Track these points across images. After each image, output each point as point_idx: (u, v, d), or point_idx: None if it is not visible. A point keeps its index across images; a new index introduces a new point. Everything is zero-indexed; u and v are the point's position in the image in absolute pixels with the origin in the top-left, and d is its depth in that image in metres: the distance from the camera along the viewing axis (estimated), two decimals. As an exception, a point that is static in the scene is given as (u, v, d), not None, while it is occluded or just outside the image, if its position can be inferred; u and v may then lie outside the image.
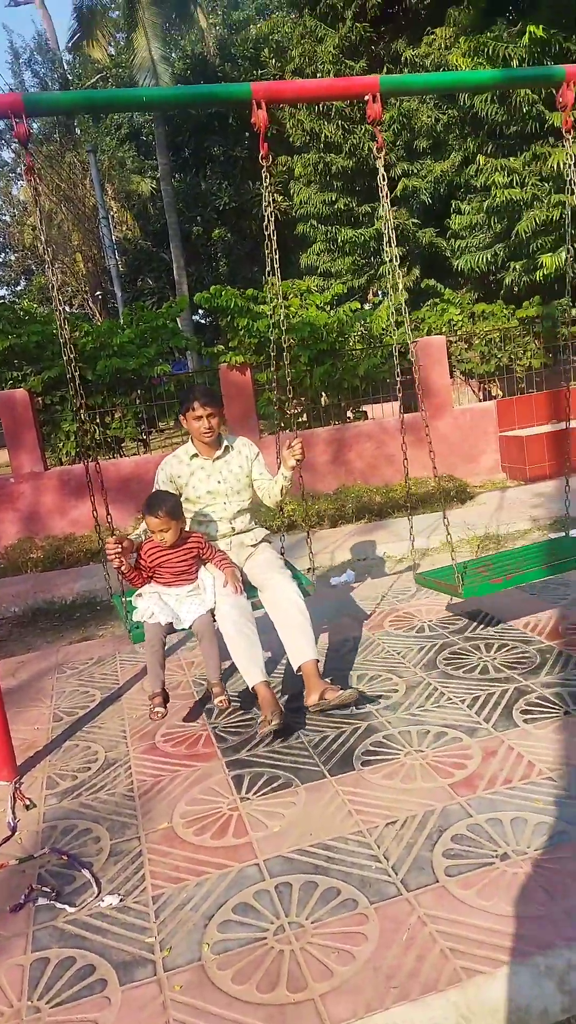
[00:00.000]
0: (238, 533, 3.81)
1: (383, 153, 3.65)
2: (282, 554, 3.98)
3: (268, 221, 3.52)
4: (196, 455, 3.76)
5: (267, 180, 3.47)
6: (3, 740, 3.26)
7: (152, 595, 3.45)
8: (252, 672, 3.34)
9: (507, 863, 2.33)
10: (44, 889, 2.49)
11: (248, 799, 2.89)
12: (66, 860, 2.64)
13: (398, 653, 4.10)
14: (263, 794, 2.91)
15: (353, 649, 4.25)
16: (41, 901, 2.45)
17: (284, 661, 3.95)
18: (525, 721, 3.18)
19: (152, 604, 3.41)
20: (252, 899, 2.33)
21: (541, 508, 7.34)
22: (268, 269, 3.58)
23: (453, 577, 3.80)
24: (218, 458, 3.76)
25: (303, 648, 3.44)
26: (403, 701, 3.52)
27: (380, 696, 3.60)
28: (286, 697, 3.71)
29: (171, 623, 3.41)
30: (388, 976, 1.98)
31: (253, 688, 3.35)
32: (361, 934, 2.13)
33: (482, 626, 4.32)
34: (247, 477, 3.81)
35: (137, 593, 3.51)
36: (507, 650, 3.93)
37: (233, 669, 3.69)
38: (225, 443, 3.80)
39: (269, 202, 3.51)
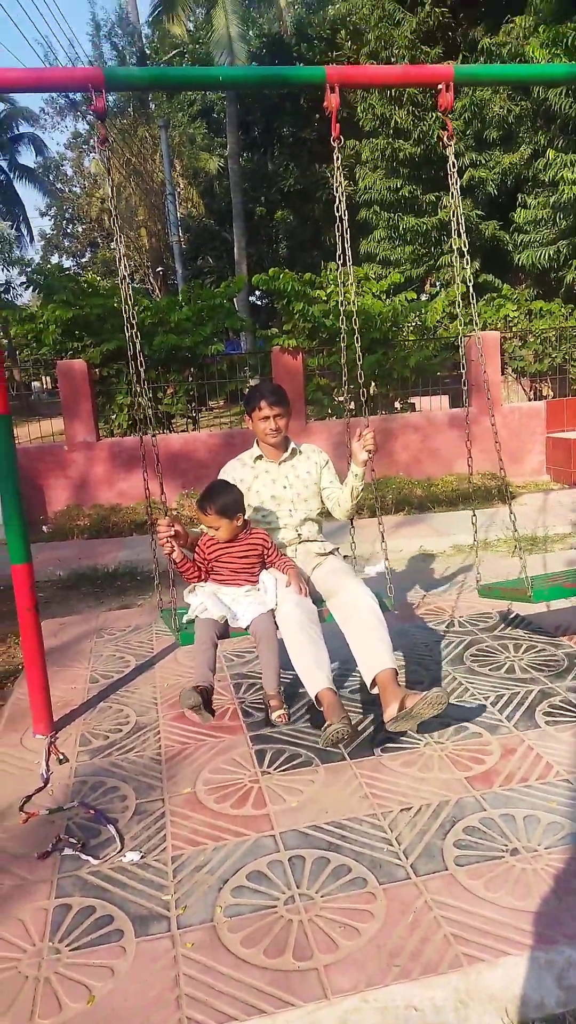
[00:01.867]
0: (305, 541, 3.55)
1: (453, 142, 3.63)
2: (355, 561, 3.72)
3: (339, 202, 3.29)
4: (261, 457, 3.57)
5: (338, 161, 3.34)
6: (42, 696, 3.42)
7: (206, 591, 3.21)
8: (317, 677, 3.00)
9: (516, 858, 2.39)
10: (71, 840, 2.63)
11: (269, 773, 2.99)
12: (93, 814, 2.77)
13: (426, 646, 4.14)
14: (284, 770, 3.00)
15: (383, 639, 4.30)
16: (67, 851, 2.58)
17: (351, 682, 3.59)
18: (547, 723, 3.21)
19: (205, 599, 3.15)
20: (266, 868, 2.43)
21: (584, 513, 7.27)
22: (339, 251, 3.37)
23: (520, 584, 3.65)
24: (284, 461, 3.56)
25: (379, 655, 3.03)
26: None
27: (413, 678, 3.56)
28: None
29: (226, 623, 3.16)
30: (391, 954, 2.06)
31: (317, 696, 3.00)
32: (368, 912, 2.21)
33: (512, 627, 4.34)
34: (316, 484, 3.58)
35: (190, 589, 3.28)
36: (535, 652, 3.96)
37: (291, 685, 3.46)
38: (292, 446, 3.60)
39: (340, 182, 3.30)
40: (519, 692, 3.51)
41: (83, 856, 2.55)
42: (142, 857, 2.53)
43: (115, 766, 3.14)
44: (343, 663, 3.66)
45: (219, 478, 3.43)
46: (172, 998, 1.97)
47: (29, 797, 2.92)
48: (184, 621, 3.24)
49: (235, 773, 3.01)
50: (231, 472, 3.56)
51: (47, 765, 3.12)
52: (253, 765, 3.06)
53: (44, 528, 8.03)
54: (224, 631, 3.17)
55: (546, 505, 7.82)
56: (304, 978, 2.00)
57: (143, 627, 4.82)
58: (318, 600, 3.33)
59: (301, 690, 3.24)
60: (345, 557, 3.72)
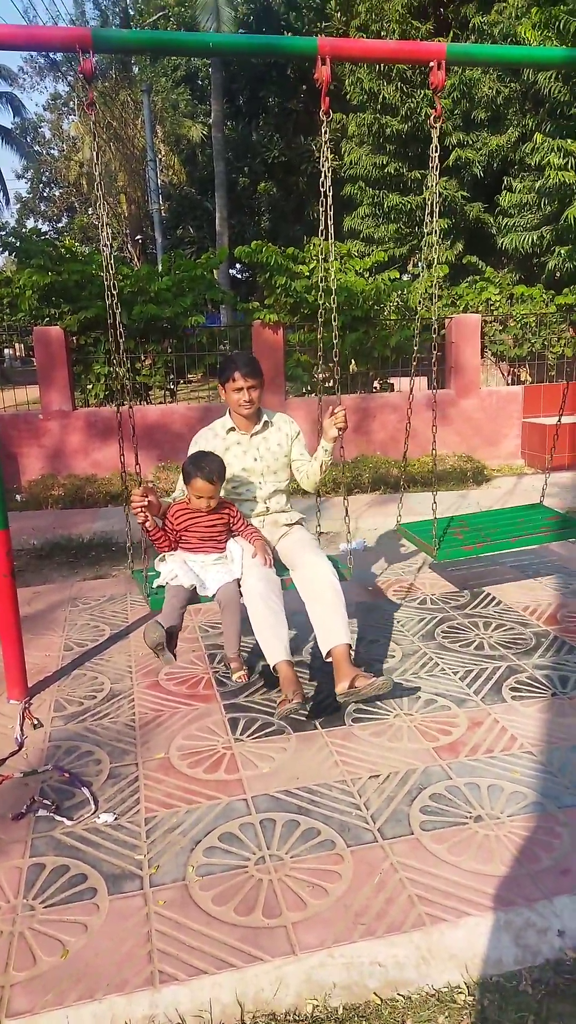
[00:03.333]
0: (272, 512, 3.62)
1: (440, 122, 3.62)
2: (318, 529, 3.82)
3: (325, 177, 3.29)
4: (233, 429, 3.55)
5: (325, 136, 3.31)
6: (17, 662, 3.43)
7: (176, 558, 3.31)
8: (276, 649, 3.11)
9: (480, 824, 2.47)
10: (45, 802, 2.66)
11: (242, 740, 3.05)
12: (67, 777, 2.81)
13: (398, 622, 4.22)
14: (256, 737, 3.07)
15: (355, 614, 4.37)
16: (41, 812, 2.62)
17: (311, 641, 3.74)
18: (513, 698, 3.30)
19: (176, 567, 3.25)
20: (237, 830, 2.50)
21: (555, 498, 7.38)
22: (321, 227, 3.39)
23: (431, 538, 3.89)
24: (256, 433, 3.55)
25: (335, 630, 3.18)
26: (398, 667, 3.65)
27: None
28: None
29: (194, 589, 3.24)
30: (358, 913, 2.13)
31: (275, 667, 3.12)
32: (336, 873, 2.29)
33: (483, 605, 4.43)
34: (286, 456, 3.61)
35: (160, 557, 3.37)
36: (504, 630, 4.05)
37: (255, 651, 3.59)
38: (265, 418, 3.59)
39: (327, 158, 3.31)
40: (487, 668, 3.60)
41: (57, 817, 2.59)
42: (116, 819, 2.58)
43: (89, 731, 3.17)
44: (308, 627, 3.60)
45: (197, 449, 3.43)
46: (144, 953, 2.03)
47: (3, 760, 2.95)
48: (155, 586, 3.33)
49: (208, 740, 3.06)
50: (203, 442, 3.54)
51: (21, 729, 3.15)
52: (226, 732, 3.12)
53: (18, 497, 7.96)
54: (193, 597, 3.27)
55: (517, 489, 7.93)
56: (273, 935, 2.07)
57: (118, 597, 4.84)
58: (282, 569, 3.44)
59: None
60: (320, 534, 3.78)
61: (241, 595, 3.28)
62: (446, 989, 1.96)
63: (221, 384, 3.52)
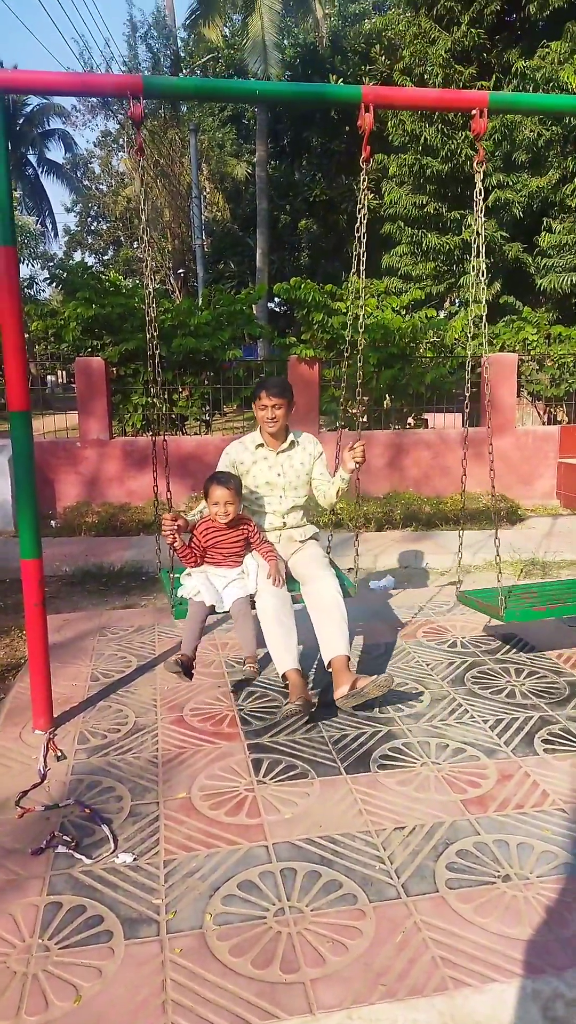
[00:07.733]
0: (288, 528, 3.90)
1: (483, 167, 3.69)
2: (328, 552, 4.02)
3: (360, 223, 3.53)
4: (262, 445, 3.85)
5: (364, 183, 3.49)
6: (44, 692, 3.43)
7: (200, 575, 3.58)
8: (285, 659, 3.42)
9: (508, 885, 2.39)
10: (65, 838, 2.64)
11: (264, 783, 3.00)
12: (88, 813, 2.78)
13: (427, 665, 4.15)
14: (279, 780, 3.01)
15: (384, 655, 4.31)
16: (61, 849, 2.59)
17: (317, 660, 3.97)
18: (545, 750, 3.21)
19: (200, 583, 3.54)
20: (257, 878, 2.44)
21: (593, 541, 7.26)
22: (353, 269, 3.63)
23: (497, 600, 3.81)
24: (282, 451, 3.85)
25: (336, 643, 3.48)
26: (426, 712, 3.58)
27: (412, 695, 3.72)
28: (316, 690, 3.79)
29: (214, 605, 3.53)
30: (378, 973, 2.06)
31: (284, 674, 3.41)
32: (357, 929, 2.22)
33: (515, 651, 4.34)
34: (307, 474, 3.89)
35: (187, 572, 3.64)
36: (537, 678, 3.95)
37: (266, 661, 3.78)
38: (292, 438, 3.88)
39: (363, 204, 3.51)
40: (519, 717, 3.52)
41: (76, 855, 2.56)
42: (135, 859, 2.54)
43: (112, 766, 3.15)
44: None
45: (227, 457, 3.82)
46: (159, 1003, 1.97)
47: (25, 792, 2.93)
48: (180, 596, 3.61)
49: (231, 781, 3.02)
50: (233, 453, 3.85)
51: (45, 761, 3.14)
52: (249, 773, 3.07)
53: (52, 523, 8.06)
54: (212, 610, 3.60)
55: (553, 530, 7.82)
56: (290, 991, 2.01)
57: (146, 628, 4.84)
58: (293, 583, 3.74)
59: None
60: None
61: (254, 609, 3.57)
62: (469, 1061, 1.87)
63: (253, 401, 3.82)
